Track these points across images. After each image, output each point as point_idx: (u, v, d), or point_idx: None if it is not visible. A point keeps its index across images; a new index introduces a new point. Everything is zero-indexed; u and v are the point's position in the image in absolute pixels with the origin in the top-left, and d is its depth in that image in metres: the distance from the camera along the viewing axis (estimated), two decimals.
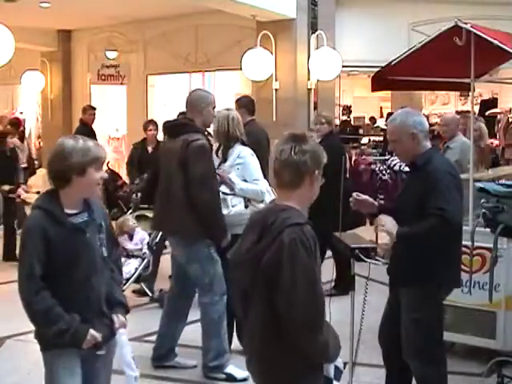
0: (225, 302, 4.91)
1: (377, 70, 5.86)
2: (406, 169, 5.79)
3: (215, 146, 5.24)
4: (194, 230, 4.76)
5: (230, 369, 4.92)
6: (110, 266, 3.19)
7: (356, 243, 3.97)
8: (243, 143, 5.21)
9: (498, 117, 13.66)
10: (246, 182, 5.11)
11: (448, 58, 5.12)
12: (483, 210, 4.09)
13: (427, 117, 10.05)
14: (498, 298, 4.79)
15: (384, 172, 9.74)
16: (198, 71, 12.24)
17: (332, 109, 10.50)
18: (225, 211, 4.95)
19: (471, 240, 4.35)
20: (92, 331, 2.98)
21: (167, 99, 12.75)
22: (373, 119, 16.69)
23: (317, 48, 9.88)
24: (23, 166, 10.60)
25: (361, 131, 14.88)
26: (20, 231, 8.77)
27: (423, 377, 3.94)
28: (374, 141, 13.91)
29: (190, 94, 5.09)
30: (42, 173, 11.92)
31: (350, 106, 17.53)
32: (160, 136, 9.19)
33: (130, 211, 7.29)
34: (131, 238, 6.70)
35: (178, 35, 11.95)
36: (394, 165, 9.58)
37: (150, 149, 8.57)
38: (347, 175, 7.31)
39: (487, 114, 13.81)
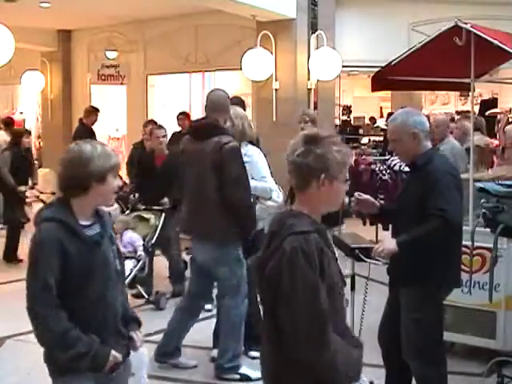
0: (246, 305, 4.95)
1: (377, 70, 5.87)
2: (406, 169, 5.78)
3: None
4: (227, 232, 4.77)
5: (244, 369, 4.97)
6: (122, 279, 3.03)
7: (356, 243, 3.98)
8: (251, 142, 5.25)
9: (498, 117, 13.65)
10: (253, 179, 5.12)
11: (448, 58, 5.13)
12: (483, 210, 4.09)
13: (427, 117, 10.07)
14: (497, 297, 4.79)
15: (384, 172, 9.72)
16: (198, 71, 12.24)
17: (332, 109, 10.50)
18: None
19: (471, 240, 4.35)
20: (114, 353, 2.78)
21: (167, 99, 12.75)
22: (373, 119, 16.69)
23: (317, 48, 9.87)
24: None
25: (361, 131, 14.88)
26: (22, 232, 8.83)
27: (423, 377, 3.95)
28: (374, 141, 13.91)
29: (211, 95, 5.06)
30: (42, 173, 11.96)
31: (350, 106, 17.53)
32: None
33: (128, 212, 7.28)
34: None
35: (178, 35, 11.94)
36: (394, 165, 9.57)
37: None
38: None
39: (487, 113, 13.80)
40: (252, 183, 5.03)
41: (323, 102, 10.11)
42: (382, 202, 5.65)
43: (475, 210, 4.85)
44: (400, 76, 5.56)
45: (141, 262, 6.57)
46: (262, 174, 5.16)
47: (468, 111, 10.57)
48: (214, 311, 5.68)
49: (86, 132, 10.71)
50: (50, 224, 2.73)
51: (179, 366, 5.13)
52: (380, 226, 8.33)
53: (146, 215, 6.87)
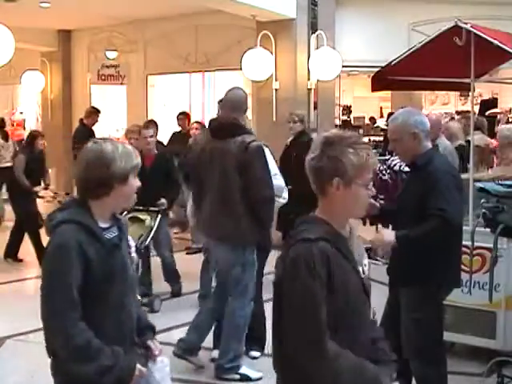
0: (252, 307, 4.94)
1: (377, 70, 5.87)
2: (406, 169, 5.78)
3: None
4: (245, 234, 4.76)
5: (244, 369, 4.96)
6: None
7: None
8: None
9: (498, 117, 13.66)
10: None
11: (448, 58, 5.13)
12: (483, 210, 4.10)
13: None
14: (497, 297, 4.79)
15: (384, 172, 9.71)
16: (198, 71, 12.25)
17: (332, 109, 10.51)
18: None
19: (471, 240, 4.36)
20: (139, 366, 2.60)
21: (167, 99, 12.76)
22: (373, 119, 16.68)
23: (317, 48, 9.88)
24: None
25: (361, 131, 14.86)
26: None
27: (423, 377, 3.95)
28: (374, 141, 13.88)
29: (230, 94, 5.05)
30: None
31: (350, 106, 17.51)
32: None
33: (125, 213, 7.25)
34: None
35: (178, 35, 11.95)
36: (394, 165, 9.55)
37: None
38: None
39: (487, 113, 13.80)
40: None
41: (323, 102, 10.12)
42: (382, 202, 5.65)
43: (475, 209, 4.85)
44: (400, 76, 5.56)
45: (133, 264, 6.52)
46: (274, 172, 5.16)
47: (468, 111, 10.57)
48: None
49: (86, 132, 10.74)
50: (68, 226, 2.55)
51: (191, 363, 5.08)
52: (380, 226, 8.33)
53: (142, 216, 6.84)
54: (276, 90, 10.01)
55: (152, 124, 8.80)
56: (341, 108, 15.28)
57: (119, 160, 2.60)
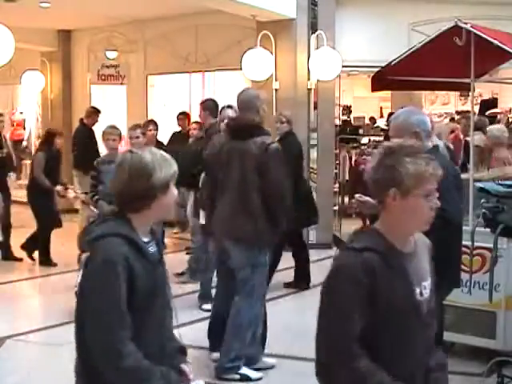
0: (259, 308, 4.93)
1: (377, 70, 5.87)
2: None
3: None
4: (260, 234, 4.78)
5: (244, 370, 4.94)
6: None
7: None
8: None
9: (498, 117, 13.66)
10: None
11: (448, 58, 5.13)
12: (483, 210, 4.10)
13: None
14: (497, 297, 4.79)
15: None
16: (198, 71, 12.24)
17: (332, 109, 10.50)
18: None
19: (471, 240, 4.36)
20: None
21: (167, 99, 12.75)
22: (373, 119, 16.68)
23: (317, 48, 9.87)
24: None
25: (361, 131, 14.86)
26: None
27: None
28: (374, 141, 13.88)
29: (242, 95, 5.09)
30: None
31: (350, 106, 17.52)
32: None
33: None
34: None
35: (178, 35, 11.95)
36: None
37: None
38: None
39: (487, 113, 13.80)
40: None
41: (323, 102, 10.12)
42: None
43: (475, 209, 4.84)
44: (400, 76, 5.56)
45: None
46: None
47: (468, 111, 10.56)
48: None
49: (86, 132, 10.74)
50: (113, 239, 2.41)
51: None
52: None
53: None
54: (276, 90, 10.01)
55: (152, 124, 8.83)
56: (341, 108, 15.26)
57: (159, 168, 2.49)
